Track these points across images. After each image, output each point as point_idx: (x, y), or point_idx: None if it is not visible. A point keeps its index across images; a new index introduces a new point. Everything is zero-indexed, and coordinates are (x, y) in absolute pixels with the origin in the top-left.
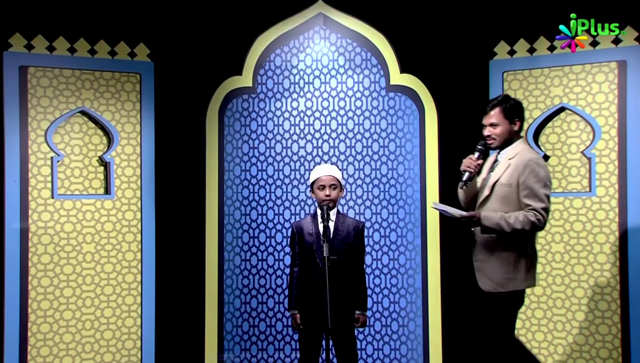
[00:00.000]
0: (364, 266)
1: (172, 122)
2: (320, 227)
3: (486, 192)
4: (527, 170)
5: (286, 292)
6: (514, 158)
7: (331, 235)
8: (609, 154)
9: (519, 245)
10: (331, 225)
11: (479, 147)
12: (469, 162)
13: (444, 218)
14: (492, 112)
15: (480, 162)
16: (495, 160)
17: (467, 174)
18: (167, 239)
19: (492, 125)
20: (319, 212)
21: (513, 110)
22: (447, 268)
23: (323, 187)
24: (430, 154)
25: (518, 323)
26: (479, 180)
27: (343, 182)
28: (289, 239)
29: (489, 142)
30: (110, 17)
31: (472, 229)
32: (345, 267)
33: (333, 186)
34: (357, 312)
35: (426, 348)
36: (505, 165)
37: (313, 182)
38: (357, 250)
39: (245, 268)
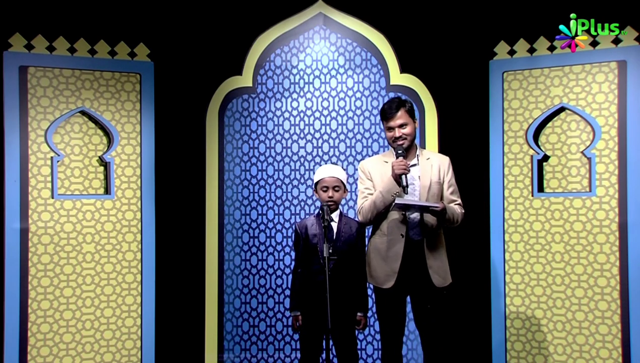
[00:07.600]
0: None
1: (172, 122)
2: None
3: (424, 192)
4: (450, 169)
5: (286, 292)
6: (431, 158)
7: (334, 237)
8: (609, 154)
9: (445, 241)
10: (334, 226)
11: (399, 151)
12: (403, 163)
13: None
14: (399, 113)
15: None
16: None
17: (404, 175)
18: (167, 239)
19: (401, 125)
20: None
21: (412, 110)
22: None
23: (326, 189)
24: None
25: (518, 324)
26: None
27: (349, 181)
28: (289, 239)
29: (400, 142)
30: (110, 17)
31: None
32: (348, 268)
33: (336, 188)
34: (358, 313)
35: None
36: (429, 165)
37: (317, 183)
38: (358, 251)
39: (245, 268)
